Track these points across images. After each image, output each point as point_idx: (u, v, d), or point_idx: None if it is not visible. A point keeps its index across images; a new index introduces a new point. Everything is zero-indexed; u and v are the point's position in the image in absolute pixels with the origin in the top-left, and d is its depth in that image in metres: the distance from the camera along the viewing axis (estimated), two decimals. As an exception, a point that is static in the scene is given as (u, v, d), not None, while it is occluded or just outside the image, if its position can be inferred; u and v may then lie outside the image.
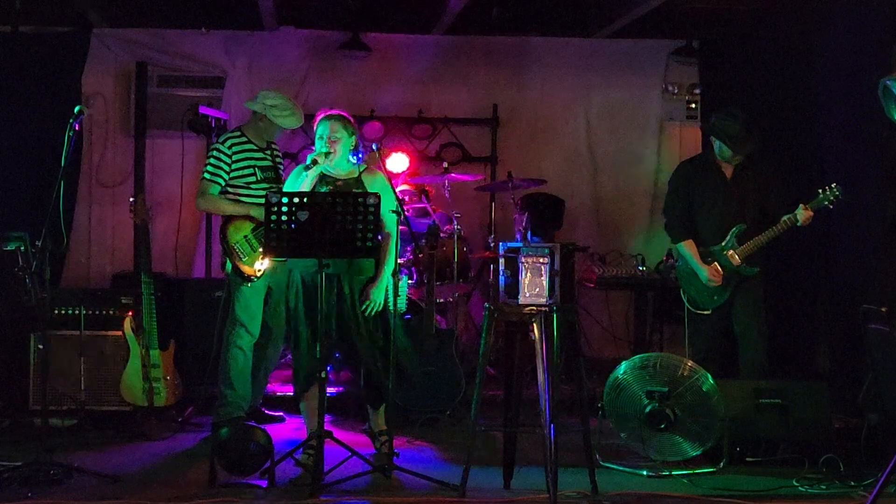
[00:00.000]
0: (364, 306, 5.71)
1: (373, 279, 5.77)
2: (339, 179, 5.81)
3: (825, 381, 6.33)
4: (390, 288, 5.79)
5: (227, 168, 6.31)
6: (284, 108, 6.40)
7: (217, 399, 6.37)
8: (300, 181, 5.72)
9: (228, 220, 6.33)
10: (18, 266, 5.77)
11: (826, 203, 6.11)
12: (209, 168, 6.34)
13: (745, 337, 6.43)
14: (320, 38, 8.88)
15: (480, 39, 9.01)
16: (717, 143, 6.44)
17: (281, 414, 6.85)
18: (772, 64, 7.81)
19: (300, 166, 5.86)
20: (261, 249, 6.14)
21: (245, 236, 6.25)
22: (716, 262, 6.36)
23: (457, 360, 6.91)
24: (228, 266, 6.28)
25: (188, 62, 8.72)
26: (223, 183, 6.33)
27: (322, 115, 5.90)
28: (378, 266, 5.78)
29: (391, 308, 5.79)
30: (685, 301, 6.53)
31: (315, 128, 5.87)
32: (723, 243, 6.35)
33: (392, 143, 8.69)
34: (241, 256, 6.22)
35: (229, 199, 6.34)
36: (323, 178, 5.78)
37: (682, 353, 6.41)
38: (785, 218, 6.18)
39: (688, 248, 6.46)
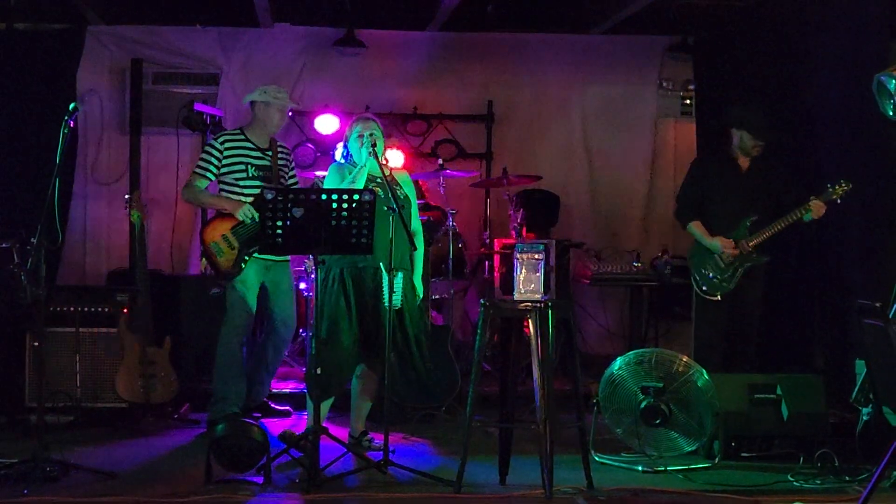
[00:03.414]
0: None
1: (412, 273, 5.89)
2: (378, 176, 5.81)
3: (820, 375, 6.34)
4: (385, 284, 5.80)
5: (216, 163, 6.39)
6: (278, 90, 6.56)
7: (212, 396, 6.41)
8: (348, 179, 5.70)
9: (209, 221, 6.44)
10: (14, 263, 5.77)
11: (835, 197, 6.19)
12: (200, 162, 6.46)
13: (741, 329, 6.50)
14: (315, 35, 8.89)
15: (475, 36, 9.02)
16: (737, 135, 6.52)
17: (288, 408, 6.87)
18: (767, 60, 7.81)
19: (338, 163, 5.94)
20: (238, 247, 6.21)
21: (223, 235, 6.30)
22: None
23: (452, 356, 6.91)
24: (203, 264, 6.36)
25: (183, 59, 8.73)
26: (211, 178, 6.43)
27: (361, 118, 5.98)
28: (413, 260, 5.89)
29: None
30: (695, 286, 6.56)
31: (355, 129, 5.87)
32: (735, 233, 6.41)
33: (387, 139, 8.67)
34: (219, 256, 6.28)
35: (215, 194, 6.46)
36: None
37: (678, 348, 6.42)
38: (796, 210, 6.25)
39: (696, 228, 6.55)
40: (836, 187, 6.20)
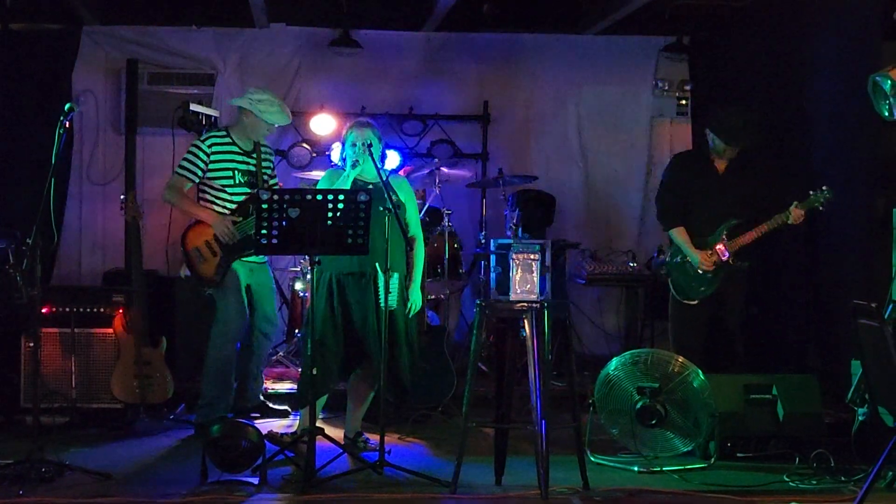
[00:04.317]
0: (408, 307, 5.80)
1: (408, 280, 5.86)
2: (371, 182, 5.80)
3: (816, 375, 6.34)
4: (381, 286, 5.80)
5: (202, 166, 6.33)
6: (271, 104, 6.39)
7: (199, 398, 6.43)
8: (338, 184, 5.69)
9: (191, 226, 6.38)
10: (9, 264, 5.76)
11: (817, 205, 6.13)
12: (183, 163, 6.37)
13: (725, 332, 6.49)
14: (311, 35, 8.89)
15: (471, 36, 9.01)
16: (710, 137, 6.45)
17: (286, 408, 6.87)
18: (762, 60, 7.82)
19: (333, 168, 5.91)
20: (221, 254, 6.20)
21: (206, 241, 6.28)
22: (708, 250, 6.37)
23: (448, 356, 6.91)
24: (184, 273, 6.32)
25: (179, 59, 8.72)
26: (196, 180, 6.36)
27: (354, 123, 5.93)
28: (412, 267, 5.87)
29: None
30: (672, 290, 6.54)
31: (349, 137, 5.83)
32: (712, 237, 6.37)
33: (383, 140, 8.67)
34: (200, 262, 6.27)
35: (201, 201, 6.40)
36: (355, 182, 5.76)
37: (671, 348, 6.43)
38: (776, 216, 6.21)
39: (679, 235, 6.48)
40: (818, 194, 6.12)
